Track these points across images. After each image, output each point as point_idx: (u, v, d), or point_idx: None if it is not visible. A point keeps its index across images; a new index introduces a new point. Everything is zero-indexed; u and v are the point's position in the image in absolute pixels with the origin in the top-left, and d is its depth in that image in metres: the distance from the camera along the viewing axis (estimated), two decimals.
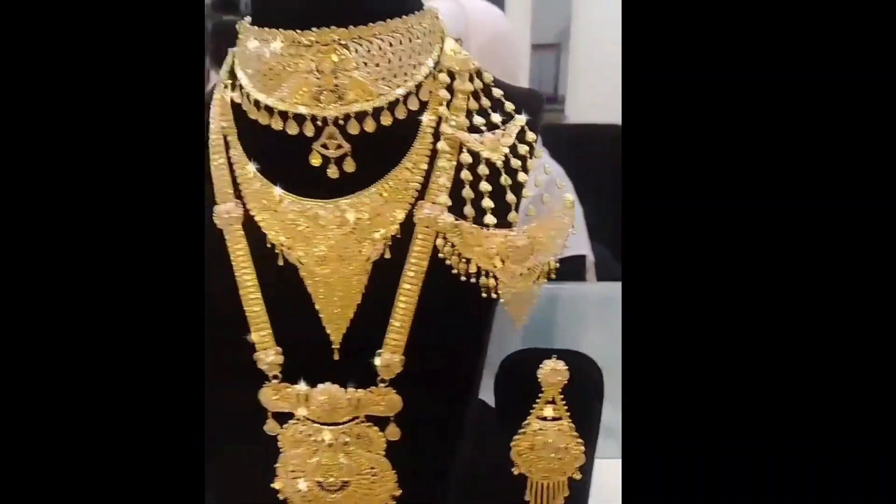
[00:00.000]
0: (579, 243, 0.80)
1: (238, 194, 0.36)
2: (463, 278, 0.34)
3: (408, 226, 0.34)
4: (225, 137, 0.36)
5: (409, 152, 0.35)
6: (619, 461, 0.29)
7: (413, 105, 0.35)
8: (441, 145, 0.35)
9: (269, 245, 0.35)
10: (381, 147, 0.34)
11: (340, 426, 0.35)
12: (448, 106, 0.35)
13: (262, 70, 0.34)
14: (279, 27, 0.34)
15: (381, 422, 0.35)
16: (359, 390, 0.35)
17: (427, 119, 0.35)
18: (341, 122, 0.34)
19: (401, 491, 0.36)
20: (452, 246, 0.34)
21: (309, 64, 0.33)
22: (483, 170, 0.35)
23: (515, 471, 0.36)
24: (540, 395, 0.35)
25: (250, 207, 0.35)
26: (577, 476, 0.35)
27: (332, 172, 0.34)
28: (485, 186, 0.34)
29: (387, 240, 0.34)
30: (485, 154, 0.35)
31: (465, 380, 0.36)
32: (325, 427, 0.35)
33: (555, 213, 0.36)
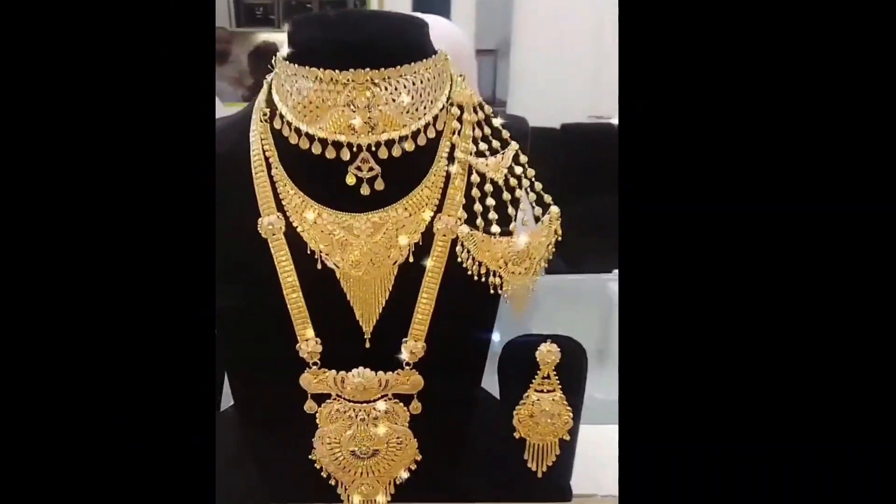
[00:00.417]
0: None
1: (280, 208, 0.41)
2: (475, 278, 0.40)
3: (428, 235, 0.40)
4: (266, 158, 0.41)
5: (428, 173, 0.41)
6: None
7: (431, 134, 0.41)
8: (455, 168, 0.41)
9: (309, 252, 0.40)
10: (405, 169, 0.40)
11: (372, 404, 0.41)
12: (458, 134, 0.41)
13: (303, 103, 0.39)
14: (311, 64, 0.39)
15: (405, 399, 0.41)
16: (387, 373, 0.41)
17: (443, 146, 0.41)
18: (373, 148, 0.39)
19: (421, 456, 0.42)
20: (468, 251, 0.40)
21: (346, 99, 0.39)
22: (488, 188, 0.41)
23: (517, 435, 0.42)
24: (537, 372, 0.42)
25: (292, 220, 0.40)
26: (567, 437, 0.43)
27: (365, 190, 0.40)
28: (490, 202, 0.41)
29: (410, 246, 0.40)
30: (489, 174, 0.41)
31: (475, 362, 0.43)
32: (359, 404, 0.41)
33: (544, 223, 0.43)
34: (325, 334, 0.41)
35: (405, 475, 0.42)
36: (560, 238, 0.43)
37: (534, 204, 0.42)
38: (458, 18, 2.53)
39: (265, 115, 0.41)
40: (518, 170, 0.42)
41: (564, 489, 0.44)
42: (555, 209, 0.43)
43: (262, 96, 0.43)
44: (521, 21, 2.65)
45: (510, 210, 0.41)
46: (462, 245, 0.40)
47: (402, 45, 0.40)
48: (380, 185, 0.40)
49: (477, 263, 0.40)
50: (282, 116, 0.41)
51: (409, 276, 0.40)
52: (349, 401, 0.41)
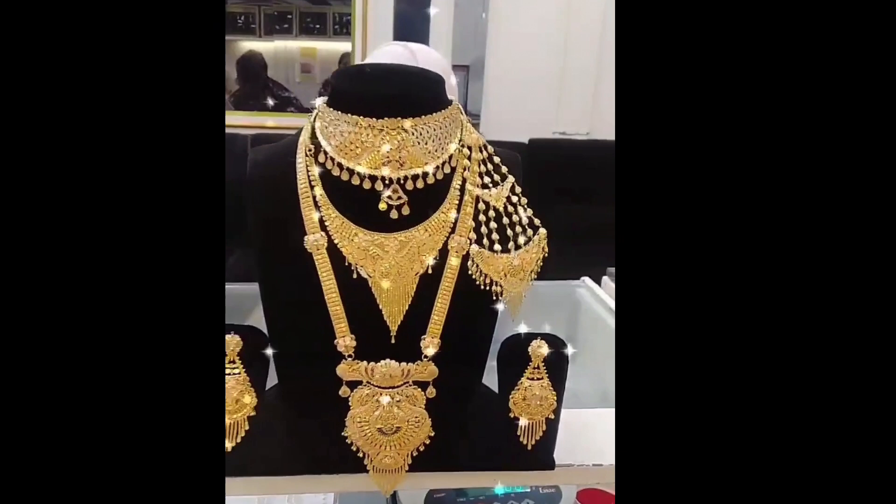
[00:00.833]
0: None
1: (323, 227, 0.48)
2: (481, 287, 0.48)
3: (444, 251, 0.49)
4: (312, 186, 0.48)
5: (444, 201, 0.49)
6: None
7: (447, 170, 0.49)
8: (466, 197, 0.49)
9: (347, 264, 0.48)
10: (426, 198, 0.48)
11: (396, 389, 0.49)
12: (468, 170, 0.50)
13: (345, 143, 0.47)
14: (350, 112, 0.47)
15: (422, 385, 0.49)
16: (408, 364, 0.49)
17: (456, 179, 0.49)
18: (401, 181, 0.47)
19: (434, 433, 0.50)
20: (476, 265, 0.48)
21: (380, 140, 0.47)
22: (491, 213, 0.49)
23: (511, 415, 0.51)
24: (529, 363, 0.50)
25: (333, 237, 0.48)
26: (552, 416, 0.51)
27: (394, 215, 0.47)
28: (493, 225, 0.49)
29: (430, 261, 0.48)
30: (492, 202, 0.50)
31: (479, 355, 0.51)
32: (384, 390, 0.49)
33: (534, 242, 0.51)
34: (359, 332, 0.48)
35: (421, 448, 0.50)
36: (546, 254, 0.52)
37: (526, 227, 0.51)
38: (436, 36, 2.62)
39: (310, 150, 0.49)
40: (514, 198, 0.51)
41: (549, 459, 0.53)
42: (542, 231, 0.51)
43: (305, 134, 0.50)
44: (494, 41, 2.74)
45: (509, 232, 0.49)
46: (472, 260, 0.48)
47: (425, 97, 0.49)
48: (406, 210, 0.48)
49: (483, 275, 0.48)
50: (325, 152, 0.48)
51: (428, 284, 0.48)
52: (377, 387, 0.49)
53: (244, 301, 1.10)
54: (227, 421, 0.49)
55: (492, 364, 0.52)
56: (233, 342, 0.48)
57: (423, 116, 0.47)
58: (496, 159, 0.51)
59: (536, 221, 0.51)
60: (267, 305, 0.50)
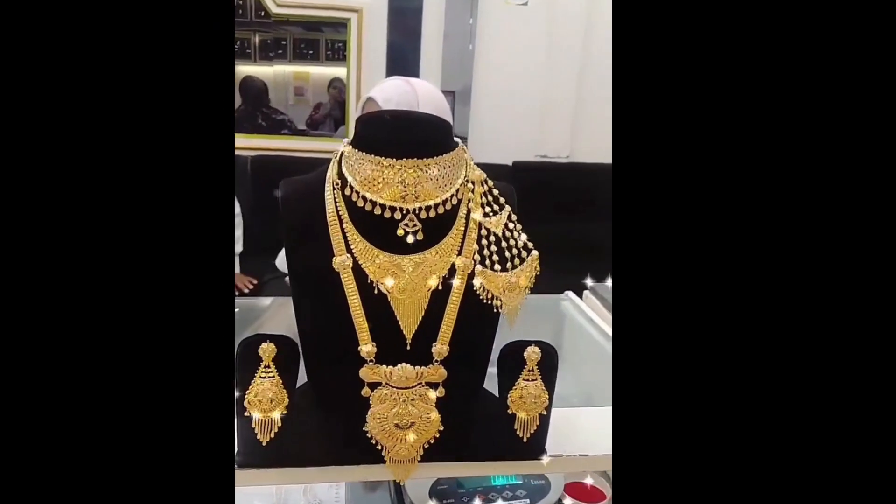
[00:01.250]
0: None
1: (349, 250, 0.55)
2: (484, 301, 0.55)
3: (452, 270, 0.55)
4: (339, 215, 0.55)
5: (452, 228, 0.56)
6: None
7: (454, 201, 0.56)
8: (470, 225, 0.56)
9: (369, 281, 0.54)
10: (437, 225, 0.55)
11: (410, 389, 0.55)
12: (472, 202, 0.57)
13: (368, 179, 0.54)
14: (372, 152, 0.54)
15: (433, 386, 0.56)
16: (421, 367, 0.55)
17: (461, 209, 0.56)
18: (416, 211, 0.54)
19: (443, 427, 0.56)
20: (479, 282, 0.55)
21: (399, 177, 0.54)
22: (492, 238, 0.57)
23: (509, 411, 0.57)
24: (525, 366, 0.57)
25: (358, 259, 0.54)
26: (544, 412, 0.58)
27: (409, 239, 0.54)
28: (493, 248, 0.56)
29: (440, 278, 0.55)
30: (492, 229, 0.57)
31: (482, 359, 0.58)
32: (401, 390, 0.55)
33: (528, 263, 0.59)
34: (379, 340, 0.54)
35: (432, 441, 0.57)
36: (538, 273, 0.59)
37: (520, 249, 0.58)
38: (426, 64, 2.70)
39: (337, 184, 0.56)
40: (510, 225, 0.58)
41: (542, 450, 0.60)
42: (535, 253, 0.59)
43: (333, 170, 0.57)
44: (480, 69, 2.83)
45: (507, 254, 0.57)
46: (476, 278, 0.55)
47: (436, 141, 0.56)
48: (420, 236, 0.54)
49: (485, 290, 0.55)
50: (351, 186, 0.55)
51: (438, 298, 0.55)
52: (394, 387, 0.55)
53: (248, 313, 1.16)
54: (262, 418, 0.55)
55: (492, 371, 0.59)
56: (268, 349, 0.54)
57: (434, 157, 0.55)
58: (495, 192, 0.59)
59: (530, 245, 0.58)
60: (300, 316, 0.56)
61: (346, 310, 0.54)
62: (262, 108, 2.84)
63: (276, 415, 0.55)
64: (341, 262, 0.54)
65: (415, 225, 0.54)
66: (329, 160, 0.58)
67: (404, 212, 0.54)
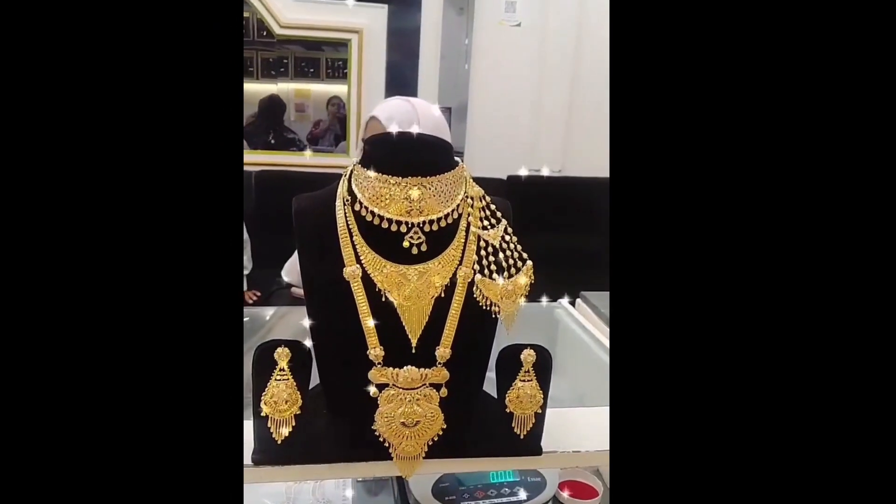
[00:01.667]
0: None
1: (358, 261, 0.58)
2: (483, 307, 0.59)
3: (453, 279, 0.59)
4: (349, 228, 0.58)
5: (453, 240, 0.59)
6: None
7: (455, 216, 0.59)
8: (470, 237, 0.60)
9: (377, 290, 0.57)
10: (440, 238, 0.58)
11: (415, 390, 0.58)
12: (471, 216, 0.60)
13: (376, 195, 0.57)
14: (379, 170, 0.58)
15: (437, 386, 0.59)
16: (426, 369, 0.58)
17: (462, 223, 0.60)
18: (421, 224, 0.58)
19: (446, 426, 0.59)
20: (479, 290, 0.58)
21: (404, 193, 0.57)
22: (490, 249, 0.60)
23: (507, 410, 0.60)
24: (521, 368, 0.60)
25: (367, 269, 0.58)
26: (539, 411, 0.61)
27: (414, 251, 0.57)
28: (491, 259, 0.60)
29: (443, 287, 0.58)
30: (490, 241, 0.60)
31: (482, 361, 0.61)
32: (407, 391, 0.58)
33: (523, 272, 0.62)
34: (386, 344, 0.57)
35: (436, 438, 0.59)
36: (533, 281, 0.63)
37: (517, 259, 0.62)
38: (424, 82, 2.75)
39: (347, 199, 0.59)
40: (507, 237, 0.62)
41: (538, 447, 0.62)
42: (529, 262, 0.62)
43: (343, 187, 0.60)
44: (475, 87, 2.89)
45: (504, 264, 0.60)
46: (475, 286, 0.58)
47: (439, 161, 0.59)
48: (424, 247, 0.57)
49: (484, 298, 0.58)
50: (360, 202, 0.58)
51: (441, 305, 0.57)
52: (401, 388, 0.58)
53: (253, 322, 1.19)
54: (278, 418, 0.58)
55: (490, 376, 0.62)
56: (283, 353, 0.57)
57: (437, 175, 0.58)
58: (493, 206, 0.62)
59: (525, 255, 0.62)
60: (313, 322, 0.59)
61: (355, 316, 0.57)
62: (275, 126, 2.88)
63: (290, 415, 0.58)
64: (351, 272, 0.57)
65: (419, 237, 0.57)
66: (330, 174, 0.61)
67: (409, 225, 0.57)
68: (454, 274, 0.58)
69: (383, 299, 0.57)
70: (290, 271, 1.47)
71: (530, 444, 0.62)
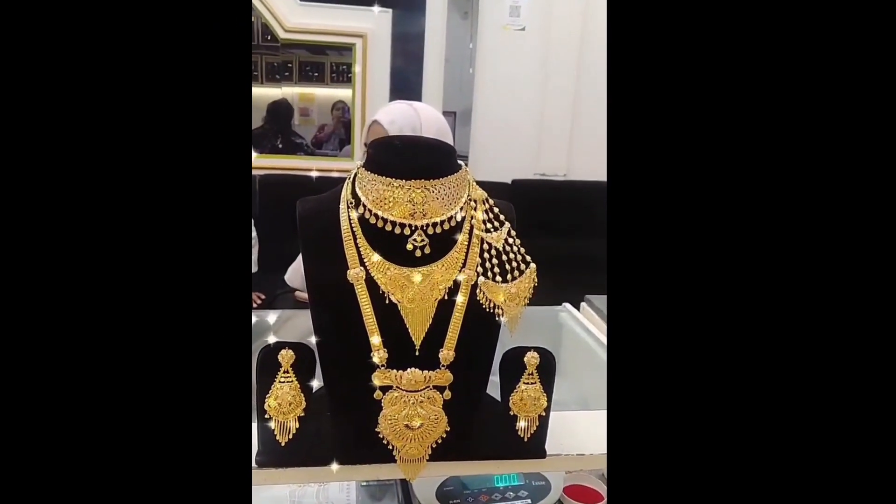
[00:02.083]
0: None
1: (362, 263, 0.58)
2: (486, 310, 0.59)
3: (457, 282, 0.59)
4: (353, 231, 0.59)
5: (456, 243, 0.59)
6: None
7: (458, 218, 0.59)
8: (473, 240, 0.60)
9: (381, 292, 0.58)
10: (443, 240, 0.58)
11: (419, 392, 0.58)
12: (474, 219, 0.61)
13: (380, 198, 0.58)
14: (384, 174, 0.58)
15: (440, 389, 0.59)
16: (429, 371, 0.58)
17: (465, 226, 0.60)
18: (424, 227, 0.58)
19: (449, 428, 0.59)
20: (482, 292, 0.59)
21: (408, 196, 0.58)
22: (493, 252, 0.60)
23: (511, 412, 0.61)
24: (525, 371, 0.60)
25: (371, 271, 0.58)
26: (543, 414, 0.61)
27: (418, 253, 0.57)
28: (494, 261, 0.60)
29: (446, 289, 0.59)
30: (494, 244, 0.61)
31: (485, 364, 0.61)
32: (410, 393, 0.58)
33: (526, 275, 0.62)
34: (390, 346, 0.57)
35: (439, 441, 0.60)
36: (536, 284, 0.63)
37: (520, 262, 0.62)
38: (428, 87, 2.77)
39: (351, 202, 0.60)
40: (510, 240, 0.62)
41: (542, 450, 0.62)
42: (532, 265, 0.62)
43: (346, 190, 0.60)
44: (479, 92, 2.90)
45: (507, 266, 0.60)
46: (479, 289, 0.58)
47: (441, 164, 0.59)
48: (427, 250, 0.57)
49: (488, 300, 0.58)
50: (364, 205, 0.59)
51: (445, 308, 0.58)
52: (404, 390, 0.58)
53: (258, 325, 1.19)
54: (282, 420, 0.58)
55: (494, 379, 0.63)
56: (287, 356, 0.58)
57: (440, 178, 0.58)
58: (496, 209, 0.62)
59: (528, 258, 0.62)
60: (317, 325, 0.60)
61: (359, 318, 0.57)
62: (283, 131, 2.90)
63: (294, 417, 0.58)
64: (355, 274, 0.57)
65: (423, 240, 0.58)
66: (335, 178, 0.62)
67: (413, 228, 0.58)
68: (458, 276, 0.58)
69: (387, 301, 0.57)
70: (294, 275, 1.48)
71: (534, 447, 0.62)
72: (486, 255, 0.59)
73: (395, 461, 0.59)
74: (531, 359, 0.60)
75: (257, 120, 2.84)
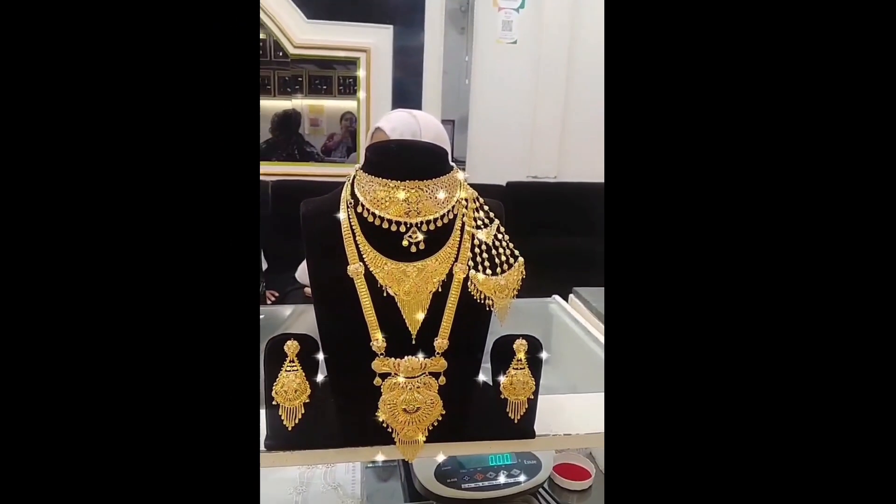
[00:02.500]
0: None
1: (361, 259, 0.58)
2: (478, 301, 0.58)
3: (450, 275, 0.59)
4: (352, 229, 0.59)
5: (449, 238, 0.59)
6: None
7: (451, 216, 0.59)
8: (465, 236, 0.60)
9: (379, 286, 0.57)
10: (437, 236, 0.58)
11: (415, 378, 0.58)
12: (465, 217, 0.60)
13: (377, 198, 0.58)
14: (381, 176, 0.58)
15: (436, 375, 0.59)
16: (425, 358, 0.58)
17: (457, 223, 0.60)
18: (419, 224, 0.58)
19: (444, 412, 0.59)
20: (473, 285, 0.58)
21: (404, 196, 0.57)
22: (483, 247, 0.60)
23: (502, 396, 0.60)
24: (514, 357, 0.60)
25: (369, 266, 0.58)
26: (532, 397, 0.61)
27: (413, 249, 0.57)
28: (485, 255, 0.60)
29: (440, 282, 0.58)
30: (484, 239, 0.60)
31: (477, 351, 0.61)
32: (408, 379, 0.58)
33: (514, 268, 0.62)
34: (388, 335, 0.57)
35: (435, 423, 0.59)
36: (524, 277, 0.62)
37: (508, 256, 0.61)
38: (428, 97, 2.76)
39: (351, 203, 0.59)
40: (499, 235, 0.61)
41: (531, 430, 0.62)
42: (520, 259, 0.62)
43: (346, 191, 0.60)
44: (476, 101, 2.90)
45: (496, 260, 0.60)
46: (470, 281, 0.58)
47: (434, 166, 0.59)
48: (422, 246, 0.57)
49: (479, 292, 0.58)
50: (362, 204, 0.59)
51: (439, 299, 0.57)
52: (402, 377, 0.58)
53: (273, 320, 1.19)
54: (288, 406, 0.58)
55: (486, 366, 0.62)
56: (293, 346, 0.58)
57: (433, 179, 0.58)
58: (486, 207, 0.62)
59: (516, 252, 0.61)
60: (320, 317, 0.59)
61: (359, 311, 0.57)
62: (296, 140, 2.91)
63: (300, 403, 0.58)
64: (355, 269, 0.57)
65: (417, 237, 0.58)
66: (341, 183, 0.62)
67: (408, 225, 0.57)
68: (451, 270, 0.58)
69: (385, 294, 0.57)
70: (303, 273, 1.48)
71: (524, 428, 0.61)
72: (476, 249, 0.59)
73: (394, 443, 0.59)
74: (520, 346, 0.59)
75: (268, 131, 2.85)
